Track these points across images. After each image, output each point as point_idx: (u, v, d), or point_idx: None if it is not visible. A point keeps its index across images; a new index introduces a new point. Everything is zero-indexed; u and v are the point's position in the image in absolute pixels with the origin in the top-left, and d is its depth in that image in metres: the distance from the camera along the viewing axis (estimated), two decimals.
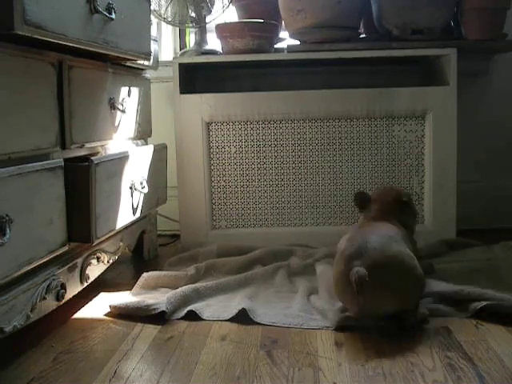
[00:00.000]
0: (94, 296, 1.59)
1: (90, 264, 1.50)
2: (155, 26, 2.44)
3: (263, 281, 1.68)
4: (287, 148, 2.09)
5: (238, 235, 2.09)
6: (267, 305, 1.49)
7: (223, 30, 2.08)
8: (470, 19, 2.11)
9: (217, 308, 1.47)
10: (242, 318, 1.40)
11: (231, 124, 2.08)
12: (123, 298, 1.55)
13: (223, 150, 2.10)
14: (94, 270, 1.54)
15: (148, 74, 1.97)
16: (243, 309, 1.41)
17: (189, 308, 1.45)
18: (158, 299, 1.49)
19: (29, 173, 1.15)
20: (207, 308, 1.47)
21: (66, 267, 1.37)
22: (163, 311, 1.42)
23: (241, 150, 2.09)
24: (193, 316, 1.43)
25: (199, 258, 1.93)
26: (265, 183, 2.10)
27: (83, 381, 1.13)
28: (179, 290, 1.53)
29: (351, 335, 1.31)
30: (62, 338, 1.33)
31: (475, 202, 2.31)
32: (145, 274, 1.67)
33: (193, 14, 2.21)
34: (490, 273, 1.66)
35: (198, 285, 1.58)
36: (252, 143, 2.09)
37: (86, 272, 1.48)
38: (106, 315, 1.47)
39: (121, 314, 1.46)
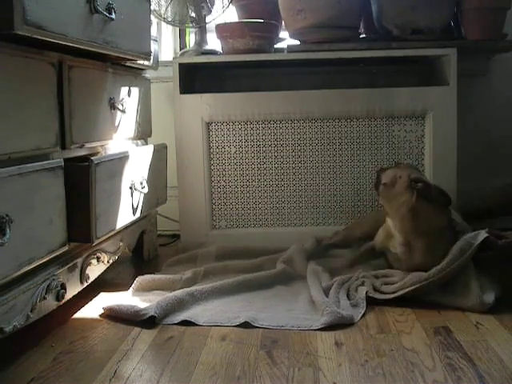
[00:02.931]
0: (94, 296, 1.59)
1: (89, 264, 1.50)
2: (155, 26, 2.44)
3: (260, 284, 1.64)
4: (287, 148, 2.09)
5: (238, 235, 2.09)
6: (269, 308, 1.47)
7: (223, 30, 2.08)
8: (470, 19, 2.11)
9: (214, 313, 1.44)
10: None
11: (231, 124, 2.08)
12: (118, 299, 1.54)
13: (223, 150, 2.10)
14: (94, 270, 1.54)
15: (148, 73, 1.97)
16: (245, 321, 1.37)
17: (183, 317, 1.41)
18: (152, 302, 1.46)
19: (29, 173, 1.15)
20: (204, 313, 1.44)
21: (66, 267, 1.37)
22: (153, 316, 1.40)
23: (241, 150, 2.09)
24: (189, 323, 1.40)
25: (198, 260, 1.92)
26: (265, 183, 2.10)
27: (83, 381, 1.13)
28: (172, 294, 1.50)
29: (351, 335, 1.32)
30: (62, 338, 1.33)
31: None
32: (139, 278, 1.64)
33: (193, 14, 2.21)
34: None
35: (193, 288, 1.55)
36: (252, 143, 2.09)
37: (86, 272, 1.48)
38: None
39: (113, 316, 1.44)
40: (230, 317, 1.41)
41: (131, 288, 1.61)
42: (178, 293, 1.51)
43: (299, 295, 1.56)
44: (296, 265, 1.78)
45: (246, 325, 1.37)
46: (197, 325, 1.39)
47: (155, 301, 1.46)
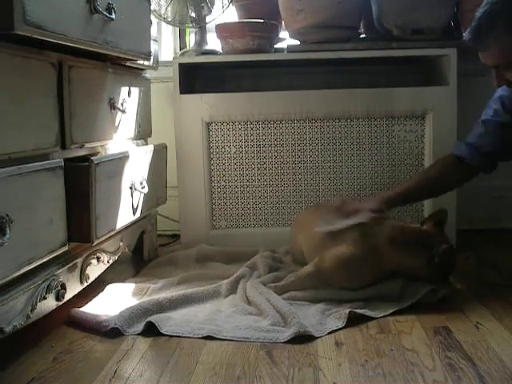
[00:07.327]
0: (94, 296, 1.59)
1: (89, 264, 1.50)
2: (155, 26, 2.44)
3: (229, 291, 1.59)
4: (287, 148, 2.09)
5: (238, 235, 2.09)
6: (236, 318, 1.41)
7: (223, 30, 2.08)
8: (470, 19, 2.10)
9: (179, 322, 1.38)
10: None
11: (231, 124, 2.08)
12: (87, 307, 1.49)
13: (223, 150, 2.10)
14: (94, 270, 1.54)
15: (148, 74, 1.97)
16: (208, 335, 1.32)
17: (148, 319, 1.37)
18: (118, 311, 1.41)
19: (29, 173, 1.15)
20: (169, 321, 1.38)
21: (66, 267, 1.37)
22: (117, 327, 1.35)
23: (241, 150, 2.09)
24: (153, 330, 1.34)
25: (178, 262, 1.90)
26: (265, 183, 2.10)
27: (83, 381, 1.13)
28: (137, 304, 1.45)
29: (351, 335, 1.32)
30: (62, 338, 1.33)
31: (475, 201, 2.31)
32: (109, 287, 1.62)
33: (193, 14, 2.21)
34: None
35: (161, 297, 1.49)
36: (252, 143, 2.09)
37: (86, 272, 1.48)
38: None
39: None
40: (194, 328, 1.35)
41: (101, 295, 1.58)
42: (144, 303, 1.45)
43: (262, 303, 1.47)
44: (259, 271, 1.72)
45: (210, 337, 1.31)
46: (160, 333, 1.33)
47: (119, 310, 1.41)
